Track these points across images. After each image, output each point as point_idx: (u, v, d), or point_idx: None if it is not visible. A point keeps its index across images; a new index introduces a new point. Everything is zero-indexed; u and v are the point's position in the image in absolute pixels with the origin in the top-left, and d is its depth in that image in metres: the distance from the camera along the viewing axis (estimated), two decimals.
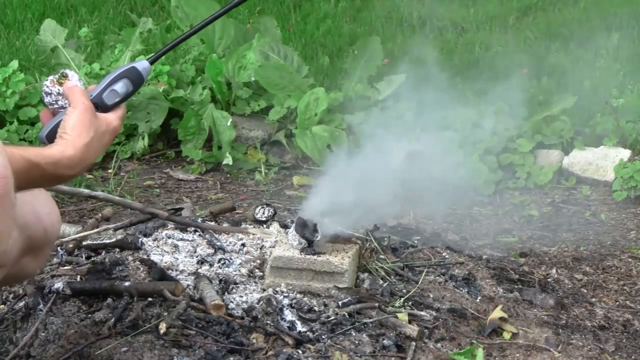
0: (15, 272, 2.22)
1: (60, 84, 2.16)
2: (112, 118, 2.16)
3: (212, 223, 3.27)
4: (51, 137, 2.10)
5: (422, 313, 2.91)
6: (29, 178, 1.97)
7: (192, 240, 3.15)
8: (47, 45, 5.09)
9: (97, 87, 2.19)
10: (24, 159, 1.96)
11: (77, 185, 4.25)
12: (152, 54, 2.30)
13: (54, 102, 2.18)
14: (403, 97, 4.71)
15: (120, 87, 2.20)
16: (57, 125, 2.11)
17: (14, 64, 4.92)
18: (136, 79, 2.22)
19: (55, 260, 3.11)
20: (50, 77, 2.18)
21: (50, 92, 2.17)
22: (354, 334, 2.76)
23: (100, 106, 2.17)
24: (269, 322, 2.76)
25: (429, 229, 3.84)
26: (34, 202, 2.19)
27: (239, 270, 3.00)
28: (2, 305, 2.88)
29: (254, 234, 3.10)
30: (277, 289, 2.90)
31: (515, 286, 3.25)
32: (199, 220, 3.31)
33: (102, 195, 3.36)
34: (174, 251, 3.09)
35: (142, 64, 2.23)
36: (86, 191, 3.47)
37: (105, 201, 3.37)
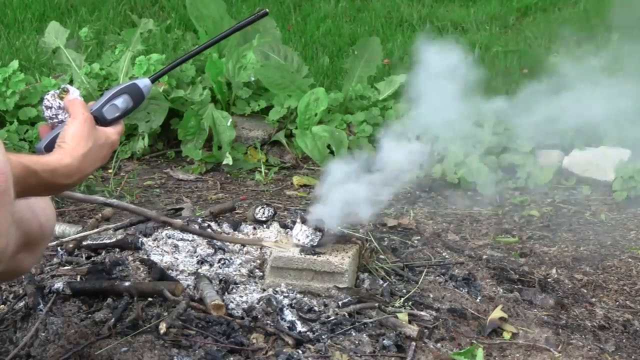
0: (12, 268, 2.23)
1: (61, 99, 2.17)
2: (111, 132, 2.18)
3: (229, 235, 3.22)
4: (49, 149, 2.11)
5: (422, 313, 2.91)
6: (26, 185, 1.97)
7: (192, 240, 3.15)
8: (51, 47, 5.10)
9: (97, 101, 2.22)
10: (22, 165, 1.95)
11: (78, 186, 4.25)
12: (154, 73, 2.31)
13: (54, 116, 2.19)
14: (403, 96, 4.71)
15: (121, 102, 2.22)
16: (55, 137, 2.12)
17: (14, 64, 4.92)
18: (137, 96, 2.25)
19: (55, 260, 3.10)
20: (51, 92, 2.19)
21: (50, 105, 2.18)
22: (354, 334, 2.75)
23: (100, 120, 2.19)
24: (269, 322, 2.76)
25: (429, 229, 3.83)
26: (29, 198, 2.19)
27: (239, 270, 3.00)
28: (2, 305, 2.88)
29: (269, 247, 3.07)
30: (277, 289, 2.90)
31: (515, 286, 3.25)
32: (208, 226, 3.26)
33: (116, 202, 3.33)
34: (174, 251, 3.09)
35: (143, 82, 2.26)
36: (101, 199, 3.44)
37: (121, 209, 3.33)
